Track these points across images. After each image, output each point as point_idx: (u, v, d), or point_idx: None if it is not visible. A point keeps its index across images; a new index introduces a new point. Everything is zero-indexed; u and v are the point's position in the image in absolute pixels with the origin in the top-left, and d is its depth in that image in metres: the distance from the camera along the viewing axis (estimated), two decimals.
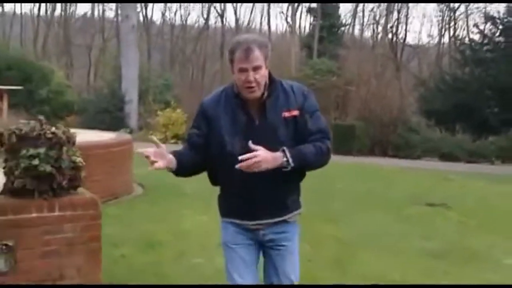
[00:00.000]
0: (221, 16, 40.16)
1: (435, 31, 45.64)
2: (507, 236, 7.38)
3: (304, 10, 35.76)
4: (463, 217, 8.56)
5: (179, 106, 26.05)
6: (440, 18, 35.81)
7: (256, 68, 2.63)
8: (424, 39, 37.24)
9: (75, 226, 3.84)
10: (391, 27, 35.41)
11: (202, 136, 2.81)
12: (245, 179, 2.67)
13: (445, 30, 36.12)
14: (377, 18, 36.91)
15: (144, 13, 40.54)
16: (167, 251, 6.09)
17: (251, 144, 2.59)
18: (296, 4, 34.56)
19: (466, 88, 26.36)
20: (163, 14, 49.83)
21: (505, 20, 27.72)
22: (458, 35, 33.43)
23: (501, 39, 27.63)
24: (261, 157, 2.58)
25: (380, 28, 36.11)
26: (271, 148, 2.63)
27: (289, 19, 35.78)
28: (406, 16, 35.98)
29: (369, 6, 37.78)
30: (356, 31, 37.92)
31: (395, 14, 35.84)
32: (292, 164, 2.64)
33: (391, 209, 8.96)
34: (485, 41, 28.20)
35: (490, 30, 28.20)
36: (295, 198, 2.92)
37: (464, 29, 34.38)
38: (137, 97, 27.22)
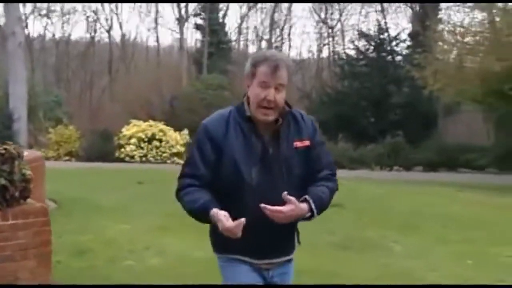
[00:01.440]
0: (108, 31, 40.00)
1: (314, 47, 48.67)
2: (394, 228, 8.71)
3: (191, 26, 36.74)
4: (357, 215, 9.91)
5: (71, 123, 25.85)
6: (319, 34, 38.28)
7: (279, 87, 2.41)
8: (305, 54, 39.58)
9: (28, 232, 4.28)
10: (275, 43, 37.38)
11: (210, 167, 2.46)
12: (259, 213, 2.35)
13: (323, 46, 38.68)
14: (260, 34, 38.71)
15: (26, 28, 39.26)
16: (99, 257, 6.58)
17: (286, 196, 2.33)
18: (184, 20, 35.36)
19: (345, 100, 28.66)
20: (45, 29, 48.37)
21: (377, 37, 30.54)
22: (337, 51, 36.04)
23: (374, 54, 30.38)
24: (286, 216, 2.35)
25: (265, 44, 37.90)
26: (283, 180, 2.45)
27: (177, 35, 36.43)
28: (289, 34, 38.25)
29: (253, 23, 39.50)
30: (246, 46, 39.50)
31: (278, 30, 37.93)
32: (315, 216, 2.47)
33: None
34: (360, 56, 30.84)
35: (364, 46, 30.91)
36: (296, 234, 2.70)
37: (341, 45, 37.08)
38: (26, 114, 26.56)
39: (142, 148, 24.22)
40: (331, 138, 28.35)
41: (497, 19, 18.47)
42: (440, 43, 20.70)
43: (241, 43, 38.84)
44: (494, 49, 16.85)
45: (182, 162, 20.94)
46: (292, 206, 2.34)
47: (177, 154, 24.46)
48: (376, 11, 35.25)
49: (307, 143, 2.53)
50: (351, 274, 6.09)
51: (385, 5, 34.10)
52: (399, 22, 50.71)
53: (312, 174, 2.54)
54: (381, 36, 30.52)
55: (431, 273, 6.11)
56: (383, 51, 30.08)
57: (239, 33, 38.53)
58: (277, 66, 2.39)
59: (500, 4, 19.12)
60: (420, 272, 6.15)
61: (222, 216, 2.29)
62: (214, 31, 32.76)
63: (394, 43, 30.62)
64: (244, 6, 38.17)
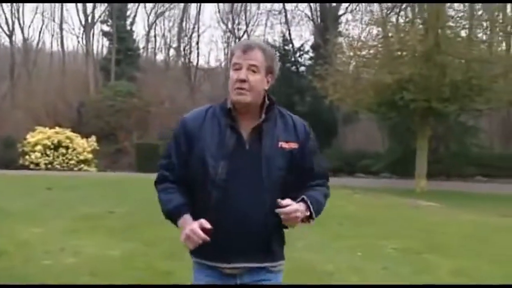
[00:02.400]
0: (10, 36, 38.58)
1: (222, 56, 49.52)
2: (296, 226, 9.48)
3: (97, 32, 36.34)
4: None
5: None
6: (226, 44, 39.10)
7: (252, 67, 2.28)
8: (214, 63, 40.25)
9: None
10: (184, 51, 37.78)
11: (183, 160, 2.37)
12: (225, 210, 2.26)
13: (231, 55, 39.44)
14: (168, 42, 38.95)
15: None
16: (15, 258, 6.76)
17: (281, 201, 2.22)
18: (90, 26, 34.93)
19: None
20: None
21: (282, 48, 31.82)
22: None
23: (280, 65, 31.56)
24: (300, 211, 2.26)
25: (173, 52, 38.22)
26: (260, 181, 2.28)
27: (83, 41, 35.89)
28: (197, 42, 38.72)
29: (162, 31, 39.69)
30: (154, 54, 39.51)
31: (186, 39, 38.32)
32: (313, 219, 2.37)
33: None
34: None
35: None
36: (280, 244, 2.45)
37: None
38: None
39: (48, 155, 23.82)
40: None
41: (390, 34, 20.07)
42: (339, 56, 22.06)
43: (149, 50, 38.87)
44: (387, 62, 18.33)
45: (90, 169, 21.00)
46: (296, 204, 2.25)
47: (84, 161, 24.26)
48: (280, 23, 36.66)
49: (294, 145, 2.35)
50: None
51: (289, 17, 35.53)
52: (303, 34, 52.71)
53: (303, 181, 2.40)
54: (286, 47, 31.84)
55: (328, 264, 6.86)
56: (287, 62, 31.37)
57: (147, 40, 38.57)
58: (248, 46, 2.30)
59: (393, 20, 20.80)
60: (319, 264, 6.89)
61: (188, 223, 2.25)
62: (121, 38, 32.68)
63: (298, 54, 32.06)
64: (152, 13, 38.32)
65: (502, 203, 15.73)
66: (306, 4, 34.24)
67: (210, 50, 59.00)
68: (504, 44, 20.69)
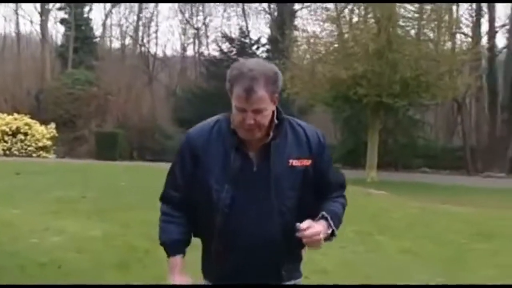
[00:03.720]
0: None
1: (178, 46, 49.46)
2: None
3: (53, 19, 36.01)
4: None
5: None
6: (184, 34, 39.40)
7: (258, 111, 2.07)
8: (170, 52, 40.42)
9: None
10: (142, 40, 37.95)
11: (188, 180, 2.25)
12: (230, 237, 2.16)
13: (187, 45, 39.90)
14: (126, 31, 38.92)
15: None
16: (2, 236, 7.15)
17: (300, 225, 2.06)
18: (47, 13, 34.59)
19: (211, 99, 30.16)
20: None
21: (239, 40, 32.47)
22: (202, 52, 37.52)
23: (237, 57, 32.25)
24: (322, 233, 2.11)
25: (130, 41, 38.26)
26: (270, 204, 2.14)
27: (39, 28, 35.48)
28: (156, 31, 38.96)
29: (119, 20, 39.64)
30: (112, 43, 39.42)
31: (143, 28, 38.43)
32: (336, 236, 2.19)
33: None
34: (225, 58, 32.55)
35: (228, 48, 32.68)
36: (294, 265, 2.31)
37: (205, 46, 38.56)
38: None
39: (6, 141, 23.81)
40: None
41: (344, 31, 21.06)
42: (296, 49, 22.90)
43: (107, 39, 38.79)
44: (342, 58, 19.33)
45: (49, 156, 21.20)
46: (316, 225, 2.10)
47: (43, 148, 24.36)
48: (237, 15, 37.26)
49: (306, 162, 2.19)
50: None
51: (247, 9, 36.18)
52: (259, 26, 53.40)
53: (321, 195, 2.26)
54: (243, 40, 32.50)
55: None
56: (245, 54, 32.01)
57: (104, 29, 38.47)
58: (251, 90, 2.03)
59: (347, 18, 21.77)
60: None
61: (176, 271, 2.24)
62: (79, 26, 32.60)
63: (255, 47, 32.77)
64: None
65: (444, 191, 17.06)
66: None
67: (167, 40, 59.03)
68: (449, 43, 21.99)
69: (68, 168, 17.24)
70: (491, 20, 27.78)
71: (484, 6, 27.59)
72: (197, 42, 37.80)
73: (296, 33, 26.23)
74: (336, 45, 20.97)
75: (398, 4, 19.98)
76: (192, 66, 37.63)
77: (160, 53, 39.94)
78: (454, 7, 22.28)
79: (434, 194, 15.66)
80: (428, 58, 19.11)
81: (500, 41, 29.69)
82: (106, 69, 30.09)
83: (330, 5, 22.32)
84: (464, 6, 24.63)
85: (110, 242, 7.30)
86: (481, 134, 28.73)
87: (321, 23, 22.19)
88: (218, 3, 36.05)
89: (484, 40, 27.10)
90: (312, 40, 21.73)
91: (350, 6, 21.66)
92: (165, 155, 26.59)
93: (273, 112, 2.16)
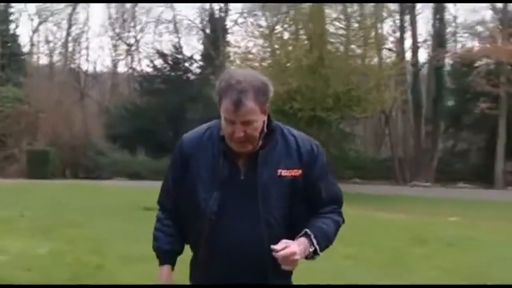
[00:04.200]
0: None
1: (110, 62, 48.65)
2: None
3: None
4: None
5: None
6: (114, 50, 39.00)
7: (247, 123, 2.04)
8: (102, 69, 39.82)
9: None
10: (72, 56, 37.23)
11: (178, 185, 2.24)
12: (217, 246, 2.11)
13: (118, 61, 39.51)
14: (54, 47, 38.15)
15: None
16: None
17: (274, 246, 1.99)
18: None
19: (145, 115, 30.08)
20: None
21: (173, 56, 32.60)
22: (134, 67, 37.30)
23: (170, 73, 32.37)
24: (298, 253, 2.02)
25: (60, 57, 37.46)
26: (256, 214, 2.08)
27: None
28: (87, 48, 38.37)
29: (44, 36, 38.76)
30: (40, 59, 38.45)
31: (73, 44, 37.74)
32: (319, 254, 2.10)
33: (120, 214, 11.42)
34: (158, 74, 32.58)
35: (161, 64, 32.72)
36: (284, 276, 2.20)
37: (138, 62, 38.35)
38: None
39: None
40: (131, 151, 29.52)
41: (276, 46, 21.71)
42: (229, 65, 23.29)
43: (35, 55, 37.83)
44: (277, 74, 19.89)
45: None
46: (293, 244, 2.01)
47: None
48: (169, 31, 37.28)
49: (295, 172, 2.12)
50: None
51: (178, 25, 36.30)
52: (192, 43, 53.53)
53: (312, 209, 2.18)
54: (177, 56, 32.65)
55: None
56: (179, 70, 32.20)
57: (32, 45, 37.53)
58: (240, 102, 1.99)
59: (278, 35, 22.39)
60: None
61: (165, 277, 2.23)
62: (5, 42, 31.71)
63: (188, 63, 32.99)
64: (36, 18, 37.31)
65: (375, 201, 17.87)
66: (196, 14, 35.24)
67: (98, 56, 58.13)
68: (376, 59, 23.08)
69: (1, 188, 16.80)
70: (414, 36, 29.32)
71: (407, 22, 29.07)
72: (129, 58, 37.53)
73: (229, 49, 26.65)
74: (269, 61, 21.52)
75: (328, 21, 20.81)
76: (125, 82, 37.34)
77: (91, 69, 39.35)
78: (379, 24, 23.34)
79: (367, 203, 16.36)
80: (357, 73, 20.02)
81: (422, 56, 31.31)
82: (35, 86, 29.35)
83: (262, 22, 22.90)
84: (388, 23, 25.82)
85: (59, 259, 7.32)
86: (407, 145, 30.08)
87: (254, 39, 22.75)
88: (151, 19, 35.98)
89: (408, 56, 28.67)
90: (244, 56, 22.16)
91: (280, 22, 22.29)
92: (99, 172, 26.29)
93: (263, 121, 2.11)
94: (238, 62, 22.58)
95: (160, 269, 2.25)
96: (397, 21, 27.60)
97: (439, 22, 29.24)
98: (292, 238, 2.08)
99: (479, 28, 28.52)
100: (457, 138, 31.28)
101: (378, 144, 33.63)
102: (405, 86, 26.54)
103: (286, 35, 22.40)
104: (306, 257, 2.09)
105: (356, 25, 21.58)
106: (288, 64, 20.67)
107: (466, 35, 30.81)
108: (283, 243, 2.00)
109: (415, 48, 29.41)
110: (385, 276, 6.66)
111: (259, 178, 2.10)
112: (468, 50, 26.77)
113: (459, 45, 30.44)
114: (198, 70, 33.29)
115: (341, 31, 21.40)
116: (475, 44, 28.37)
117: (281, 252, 1.98)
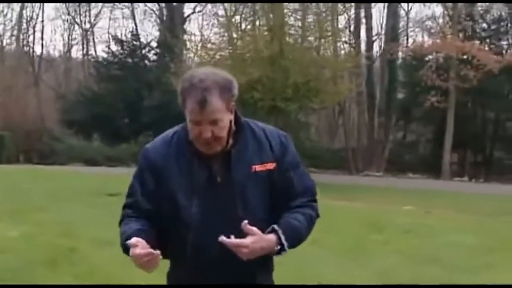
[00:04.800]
0: None
1: (65, 47, 47.48)
2: None
3: None
4: None
5: None
6: (70, 34, 38.26)
7: (214, 122, 1.98)
8: (56, 53, 38.96)
9: None
10: (24, 40, 36.35)
11: (150, 198, 2.08)
12: (202, 255, 2.05)
13: (71, 46, 38.80)
14: (5, 29, 37.09)
15: None
16: None
17: (246, 226, 1.95)
18: None
19: (101, 101, 29.81)
20: None
21: (131, 43, 32.35)
22: (91, 53, 36.75)
23: (127, 59, 32.12)
24: (250, 248, 1.96)
25: (12, 40, 36.53)
26: (237, 216, 2.01)
27: None
28: (42, 30, 37.46)
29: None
30: None
31: (26, 27, 36.80)
32: (286, 250, 2.06)
33: (84, 199, 11.52)
34: (115, 60, 32.26)
35: (118, 50, 32.41)
36: (267, 273, 2.23)
37: (94, 47, 37.76)
38: None
39: None
40: (86, 137, 29.26)
41: (235, 36, 21.94)
42: (185, 52, 23.38)
43: None
44: (237, 64, 20.18)
45: None
46: (255, 237, 1.96)
47: None
48: (123, 17, 36.89)
49: (269, 166, 2.09)
50: None
51: (136, 12, 35.94)
52: (148, 29, 52.96)
53: (284, 202, 2.13)
54: (134, 42, 32.41)
55: None
56: (135, 57, 32.00)
57: None
58: (204, 101, 1.94)
59: (237, 24, 22.62)
60: None
61: (134, 241, 1.91)
62: None
63: (146, 49, 32.78)
64: None
65: (332, 189, 18.36)
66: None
67: (52, 40, 56.67)
68: (333, 51, 23.59)
69: None
70: (368, 30, 30.08)
71: (362, 16, 29.78)
72: (84, 43, 36.95)
73: (187, 37, 26.68)
74: (227, 51, 21.76)
75: (288, 12, 21.19)
76: (79, 67, 36.75)
77: (45, 53, 38.49)
78: (335, 17, 23.85)
79: (325, 192, 16.67)
80: (315, 65, 20.51)
81: (376, 49, 32.15)
82: None
83: (221, 11, 23.06)
84: (344, 17, 26.36)
85: (32, 242, 7.42)
86: (361, 136, 30.93)
87: (213, 29, 22.92)
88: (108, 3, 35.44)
89: (363, 49, 29.39)
90: (202, 45, 22.30)
91: (239, 12, 22.50)
92: (54, 157, 26.00)
93: (230, 120, 2.05)
94: (196, 50, 22.71)
95: (130, 243, 1.93)
96: (352, 15, 28.17)
97: (393, 17, 30.08)
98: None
99: (430, 23, 29.58)
100: (407, 129, 32.36)
101: (332, 134, 34.38)
102: (361, 79, 27.27)
103: (245, 26, 22.64)
104: (271, 253, 2.06)
105: (312, 17, 21.97)
106: (248, 55, 20.93)
107: (417, 29, 31.87)
108: (232, 238, 1.95)
109: (369, 42, 30.19)
110: (348, 261, 7.08)
111: (234, 178, 2.05)
112: (419, 45, 27.65)
113: (410, 40, 31.48)
114: (155, 57, 33.12)
115: (299, 23, 21.80)
116: (426, 39, 29.42)
117: (231, 241, 1.94)
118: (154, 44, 33.62)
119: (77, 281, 5.94)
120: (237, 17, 22.81)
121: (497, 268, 6.87)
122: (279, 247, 2.03)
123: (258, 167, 2.08)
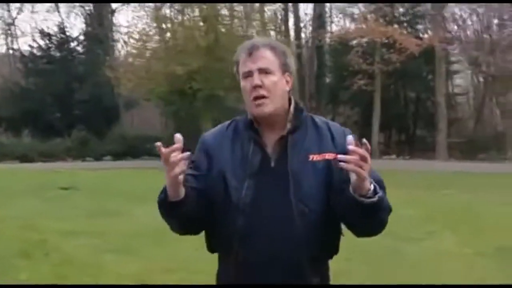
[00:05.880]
0: None
1: None
2: (132, 200, 11.09)
3: None
4: (90, 194, 11.95)
5: None
6: None
7: (264, 71, 1.93)
8: None
9: None
10: None
11: (202, 180, 1.98)
12: (251, 242, 1.92)
13: None
14: None
15: None
16: None
17: (351, 143, 1.75)
18: None
19: (30, 96, 29.13)
20: None
21: (59, 36, 31.70)
22: (17, 48, 35.59)
23: (56, 53, 31.47)
24: (369, 159, 1.76)
25: None
26: (289, 204, 1.91)
27: None
28: None
29: None
30: None
31: None
32: (377, 197, 1.81)
33: (37, 194, 11.64)
34: (43, 54, 31.52)
35: (46, 44, 31.67)
36: (322, 278, 2.03)
37: (20, 42, 36.53)
38: None
39: None
40: (16, 134, 28.56)
41: (164, 26, 22.13)
42: (112, 44, 23.31)
43: None
44: (175, 55, 20.48)
45: None
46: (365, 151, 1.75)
47: None
48: (49, 10, 35.95)
49: (328, 156, 1.96)
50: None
51: (60, 5, 35.05)
52: (76, 22, 51.61)
53: (338, 204, 1.92)
54: (61, 35, 31.79)
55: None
56: (64, 50, 31.41)
57: None
58: (253, 47, 1.95)
59: (173, 18, 22.83)
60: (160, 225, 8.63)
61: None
62: None
63: (74, 42, 32.24)
64: None
65: None
66: None
67: None
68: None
69: None
70: (296, 19, 30.96)
71: (290, 5, 30.56)
72: (9, 38, 35.73)
73: (115, 29, 26.61)
74: (162, 43, 21.97)
75: (222, 4, 21.64)
76: (3, 62, 35.51)
77: None
78: (267, 8, 24.52)
79: None
80: None
81: (304, 36, 33.07)
82: None
83: (150, 4, 23.11)
84: (274, 6, 26.94)
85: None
86: None
87: (143, 20, 23.03)
88: None
89: (292, 36, 30.21)
90: (130, 35, 22.39)
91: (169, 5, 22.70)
92: None
93: (289, 96, 2.02)
94: (125, 42, 22.77)
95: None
96: (282, 4, 28.84)
97: (319, 4, 31.06)
98: (330, 230, 1.98)
99: (353, 10, 30.70)
100: (336, 113, 33.60)
101: None
102: (296, 65, 28.02)
103: (176, 17, 22.85)
104: (364, 191, 1.79)
105: (239, 7, 22.50)
106: (184, 46, 21.21)
107: (340, 15, 32.98)
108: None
109: (297, 29, 31.08)
110: None
111: (289, 165, 1.94)
112: (345, 31, 28.78)
113: (335, 26, 32.59)
114: (83, 50, 32.62)
115: (231, 12, 22.29)
116: (350, 25, 30.54)
117: (354, 148, 1.73)
118: (82, 37, 33.06)
119: (54, 269, 6.24)
120: (167, 10, 22.94)
121: (439, 236, 7.67)
122: (372, 187, 1.81)
123: (316, 157, 1.97)
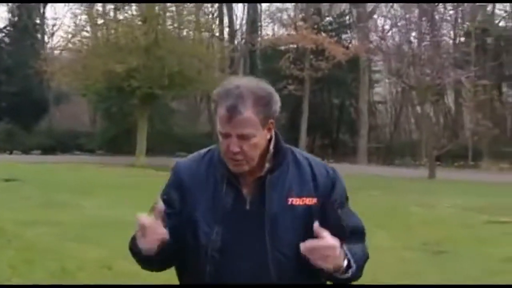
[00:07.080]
0: None
1: None
2: (76, 193, 11.37)
3: None
4: (37, 187, 12.16)
5: None
6: None
7: (243, 137, 1.76)
8: None
9: None
10: None
11: (174, 218, 1.82)
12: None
13: None
14: None
15: None
16: None
17: (318, 228, 1.68)
18: None
19: None
20: None
21: None
22: None
23: None
24: (336, 245, 1.68)
25: None
26: (264, 251, 1.79)
27: None
28: None
29: None
30: None
31: None
32: (352, 272, 1.76)
33: None
34: None
35: None
36: None
37: None
38: None
39: None
40: None
41: (99, 22, 22.08)
42: (39, 36, 22.92)
43: None
44: (114, 53, 20.67)
45: None
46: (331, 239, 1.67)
47: None
48: None
49: (311, 201, 1.83)
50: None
51: None
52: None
53: None
54: None
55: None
56: None
57: None
58: (234, 110, 1.73)
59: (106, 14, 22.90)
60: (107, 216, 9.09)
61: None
62: None
63: (2, 33, 31.35)
64: None
65: None
66: None
67: None
68: (201, 41, 24.81)
69: None
70: (231, 22, 31.64)
71: (224, 8, 31.20)
72: None
73: (47, 22, 26.30)
74: (96, 40, 22.04)
75: (161, 5, 22.01)
76: None
77: None
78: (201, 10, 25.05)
79: None
80: (188, 55, 21.67)
81: (238, 40, 33.70)
82: None
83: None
84: (209, 8, 27.45)
85: None
86: None
87: (74, 15, 23.06)
88: None
89: (226, 39, 30.82)
90: (65, 29, 22.31)
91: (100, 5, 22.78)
92: None
93: (269, 140, 1.84)
94: (52, 35, 22.63)
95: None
96: (216, 5, 29.40)
97: (252, 10, 31.92)
98: (305, 279, 1.84)
99: (282, 16, 31.69)
100: None
101: (194, 119, 35.60)
102: (234, 67, 28.81)
103: (108, 13, 22.90)
104: (338, 270, 1.73)
105: (171, 9, 22.90)
106: (118, 45, 21.38)
107: (269, 20, 33.92)
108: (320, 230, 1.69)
109: (232, 33, 31.76)
110: None
111: (266, 208, 1.80)
112: (277, 37, 29.82)
113: (264, 32, 33.47)
114: (9, 41, 31.78)
115: (170, 14, 22.73)
116: (279, 31, 31.57)
117: (317, 243, 1.68)
118: (9, 28, 32.15)
119: (19, 253, 6.57)
120: (99, 7, 22.96)
121: (373, 233, 8.36)
122: (346, 261, 1.73)
123: (295, 200, 1.82)
